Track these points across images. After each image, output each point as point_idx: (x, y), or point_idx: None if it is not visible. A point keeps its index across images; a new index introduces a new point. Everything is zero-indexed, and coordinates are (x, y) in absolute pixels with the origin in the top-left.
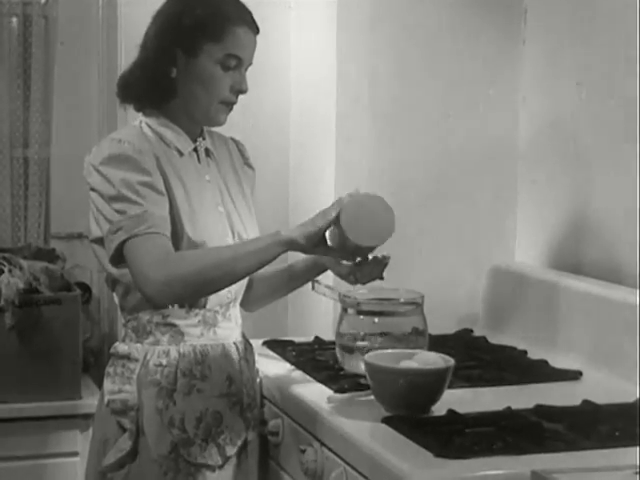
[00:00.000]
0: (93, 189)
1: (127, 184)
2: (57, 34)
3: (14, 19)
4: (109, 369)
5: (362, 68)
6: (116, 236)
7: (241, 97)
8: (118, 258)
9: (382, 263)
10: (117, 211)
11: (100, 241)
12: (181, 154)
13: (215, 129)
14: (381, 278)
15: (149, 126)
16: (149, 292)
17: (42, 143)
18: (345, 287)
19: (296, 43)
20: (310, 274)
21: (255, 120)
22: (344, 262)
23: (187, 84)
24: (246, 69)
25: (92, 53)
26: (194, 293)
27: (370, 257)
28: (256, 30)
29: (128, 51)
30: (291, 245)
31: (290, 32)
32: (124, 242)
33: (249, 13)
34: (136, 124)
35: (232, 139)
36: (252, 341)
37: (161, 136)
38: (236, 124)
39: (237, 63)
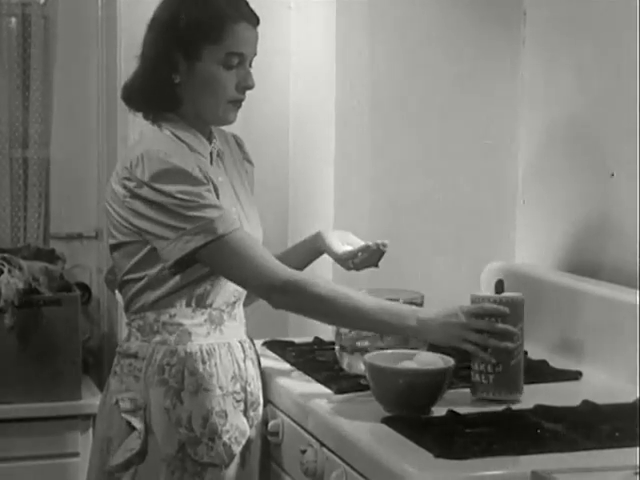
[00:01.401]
0: (145, 199)
1: (191, 193)
2: (56, 34)
3: (13, 19)
4: (116, 368)
5: (361, 68)
6: (198, 237)
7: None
8: (187, 261)
9: (379, 252)
10: (190, 220)
11: (119, 246)
12: (203, 157)
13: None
14: (376, 266)
15: (170, 132)
16: (271, 297)
17: (41, 144)
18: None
19: (296, 43)
20: (308, 257)
21: (255, 120)
22: (344, 248)
23: (192, 88)
24: (250, 63)
25: (92, 53)
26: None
27: (370, 243)
28: (256, 22)
29: (128, 52)
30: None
31: (290, 32)
32: (208, 243)
33: (246, 5)
34: (155, 128)
35: (231, 134)
36: (256, 341)
37: (183, 141)
38: (236, 124)
39: (240, 60)
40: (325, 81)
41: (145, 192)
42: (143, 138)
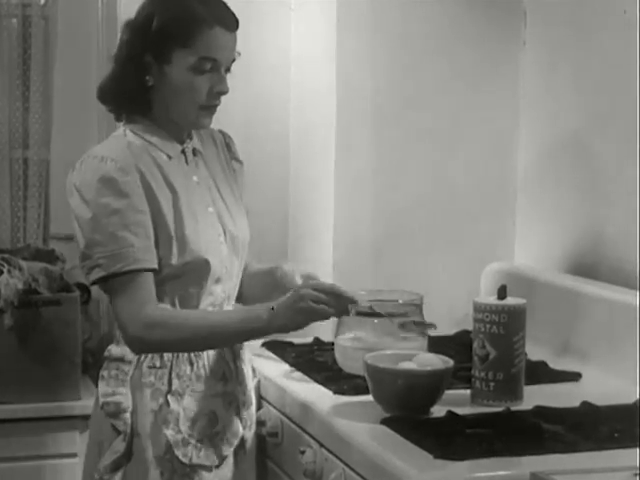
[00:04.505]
0: (73, 210)
1: (108, 211)
2: (56, 35)
3: (14, 20)
4: (103, 372)
5: (362, 69)
6: (94, 272)
7: (240, 98)
8: (97, 286)
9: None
10: (96, 243)
11: None
12: (170, 157)
13: None
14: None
15: (135, 132)
16: (126, 342)
17: (41, 144)
18: (344, 287)
19: (296, 44)
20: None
21: (254, 121)
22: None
23: (163, 92)
24: (228, 68)
25: (92, 54)
26: (167, 351)
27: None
28: (234, 26)
29: None
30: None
31: (290, 32)
32: (103, 278)
33: (225, 9)
34: (120, 133)
35: (220, 131)
36: (252, 342)
37: (148, 141)
38: (235, 124)
39: (213, 65)
40: (325, 81)
41: (72, 201)
42: (102, 142)
